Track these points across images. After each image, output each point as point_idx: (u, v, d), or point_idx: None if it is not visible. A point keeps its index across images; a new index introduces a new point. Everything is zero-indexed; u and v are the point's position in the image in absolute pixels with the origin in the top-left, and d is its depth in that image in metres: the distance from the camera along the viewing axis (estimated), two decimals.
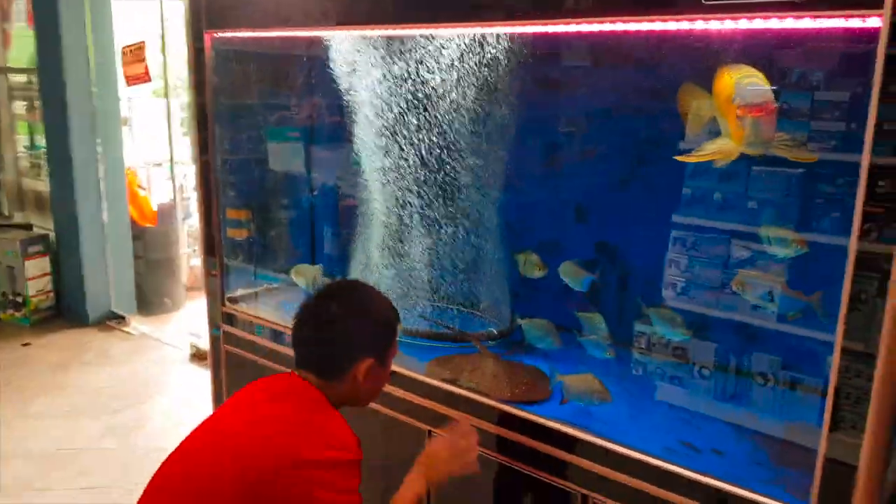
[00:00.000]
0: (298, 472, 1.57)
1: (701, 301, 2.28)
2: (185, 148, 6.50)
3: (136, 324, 5.96)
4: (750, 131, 1.73)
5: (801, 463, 1.80)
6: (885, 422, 1.55)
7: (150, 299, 6.13)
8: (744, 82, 1.73)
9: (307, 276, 3.09)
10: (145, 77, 4.35)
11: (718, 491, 1.80)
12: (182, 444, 1.74)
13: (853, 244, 1.53)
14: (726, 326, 2.25)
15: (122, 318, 6.01)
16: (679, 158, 1.95)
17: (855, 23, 1.51)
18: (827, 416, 1.61)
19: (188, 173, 6.45)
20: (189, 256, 6.55)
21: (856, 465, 1.57)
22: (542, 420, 2.15)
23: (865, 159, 1.48)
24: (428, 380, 2.42)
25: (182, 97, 6.81)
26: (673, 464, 1.89)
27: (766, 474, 1.94)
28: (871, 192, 1.49)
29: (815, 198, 2.07)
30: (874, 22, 1.45)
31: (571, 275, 2.47)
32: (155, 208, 6.29)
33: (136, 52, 4.37)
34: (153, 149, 6.59)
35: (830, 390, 1.60)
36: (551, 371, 2.43)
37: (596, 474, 2.02)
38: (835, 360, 1.59)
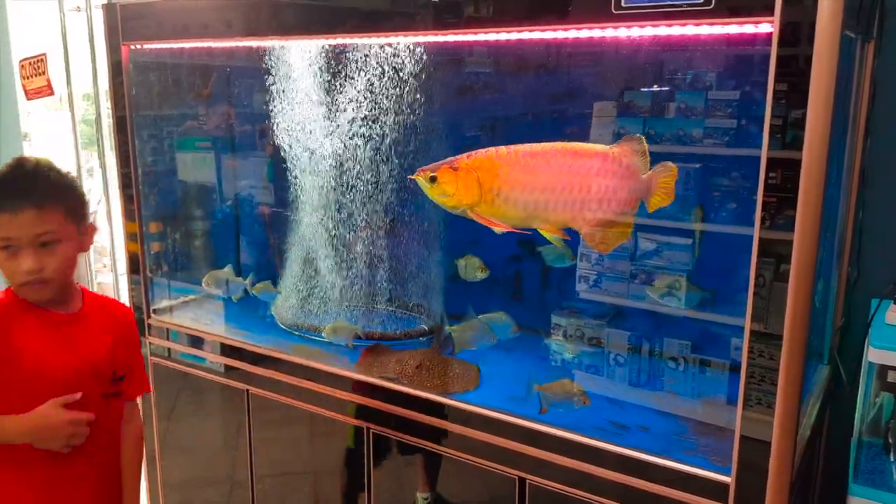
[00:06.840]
0: None
1: (612, 292, 2.41)
2: (84, 162, 6.27)
3: None
4: None
5: (719, 434, 1.95)
6: (793, 398, 1.67)
7: None
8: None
9: (219, 280, 3.05)
10: (48, 90, 4.24)
11: (648, 464, 1.90)
12: None
13: (756, 232, 1.63)
14: (637, 315, 2.38)
15: None
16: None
17: (749, 28, 1.65)
18: (741, 395, 1.72)
19: (92, 187, 6.25)
20: (98, 272, 6.33)
21: (769, 441, 1.69)
22: (474, 408, 2.21)
23: (764, 153, 1.60)
24: (358, 376, 2.46)
25: (80, 110, 6.57)
26: (604, 441, 1.98)
27: (689, 446, 2.05)
28: (765, 183, 1.60)
29: (713, 190, 2.22)
30: (765, 28, 1.58)
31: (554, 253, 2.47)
32: None
33: (36, 65, 4.25)
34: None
35: (742, 371, 1.71)
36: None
37: (530, 457, 2.10)
38: (745, 341, 1.70)
